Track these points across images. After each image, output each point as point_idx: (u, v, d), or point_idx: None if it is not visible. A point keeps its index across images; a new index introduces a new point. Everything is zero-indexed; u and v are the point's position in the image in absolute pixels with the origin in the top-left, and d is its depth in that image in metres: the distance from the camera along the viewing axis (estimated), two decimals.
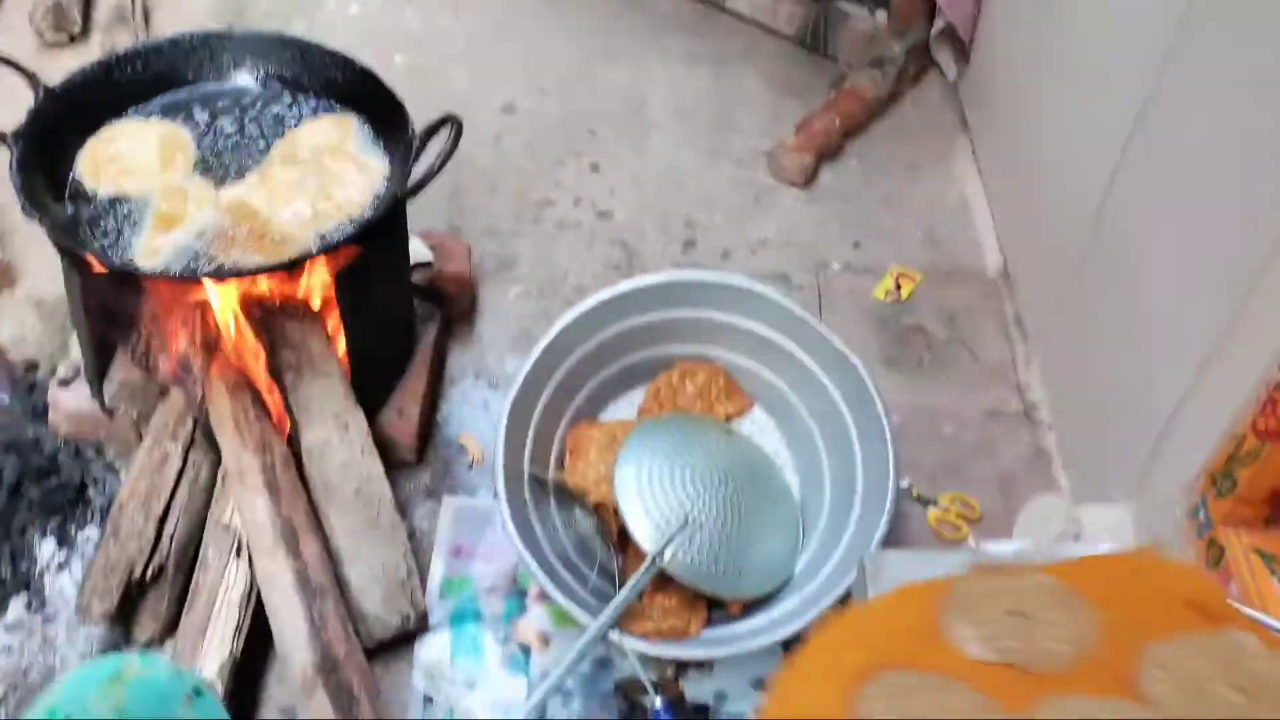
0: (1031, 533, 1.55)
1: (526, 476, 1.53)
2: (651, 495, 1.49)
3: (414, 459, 1.78)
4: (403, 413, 1.76)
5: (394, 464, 1.71)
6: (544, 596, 1.62)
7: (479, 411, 1.89)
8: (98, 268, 1.43)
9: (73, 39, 2.46)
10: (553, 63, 2.63)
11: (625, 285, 1.63)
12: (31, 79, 1.51)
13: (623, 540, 1.53)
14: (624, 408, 1.70)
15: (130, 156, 1.59)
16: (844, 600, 1.43)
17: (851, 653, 0.92)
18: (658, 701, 1.36)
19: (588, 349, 1.64)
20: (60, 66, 1.55)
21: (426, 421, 1.82)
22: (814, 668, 0.92)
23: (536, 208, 2.27)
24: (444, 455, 1.82)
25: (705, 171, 2.38)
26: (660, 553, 1.44)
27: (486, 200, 2.26)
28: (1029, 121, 2.02)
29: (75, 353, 1.73)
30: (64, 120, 1.54)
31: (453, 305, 1.97)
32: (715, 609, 1.50)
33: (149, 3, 2.58)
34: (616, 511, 1.50)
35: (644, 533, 1.47)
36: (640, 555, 1.50)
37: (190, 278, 1.46)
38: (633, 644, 1.40)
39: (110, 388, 1.60)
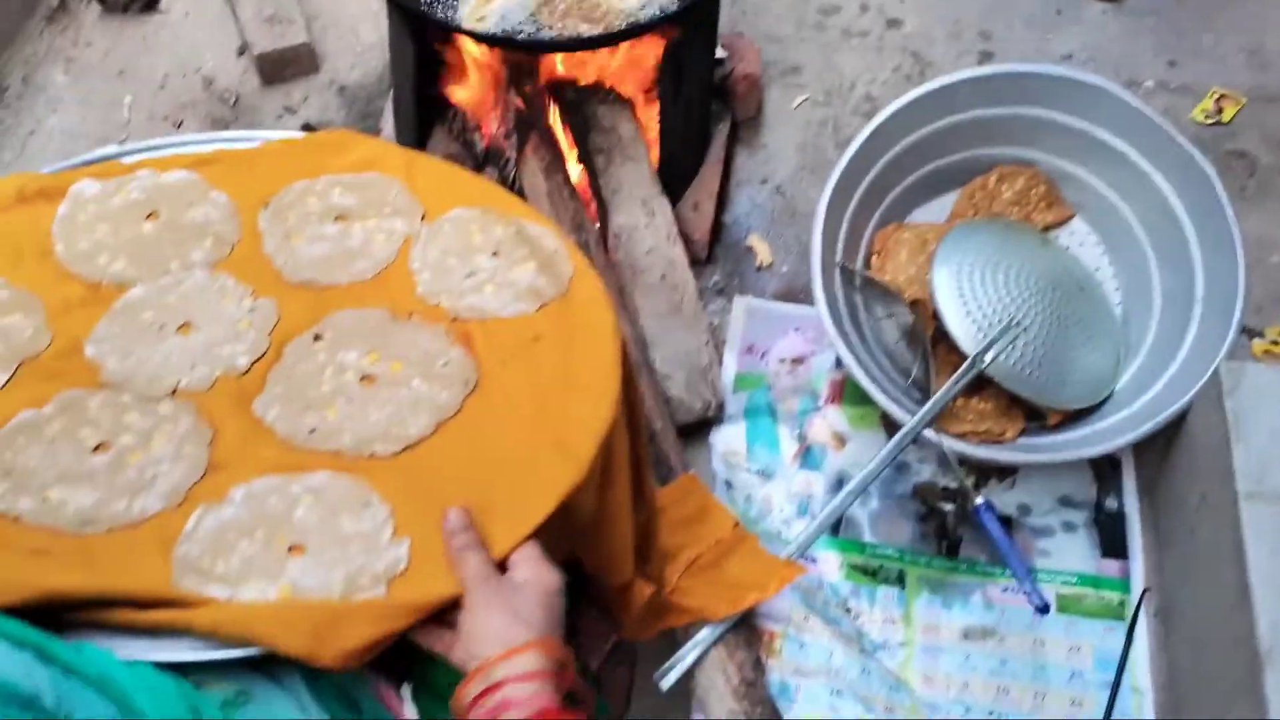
0: None
1: (839, 271, 1.49)
2: (973, 296, 1.44)
3: (705, 256, 1.77)
4: (698, 207, 1.74)
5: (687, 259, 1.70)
6: (838, 397, 1.60)
7: (766, 215, 1.86)
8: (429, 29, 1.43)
9: None
10: None
11: (947, 78, 1.54)
12: None
13: (935, 345, 1.48)
14: (933, 211, 1.63)
15: None
16: (1180, 419, 1.36)
17: None
18: (979, 500, 1.34)
19: (902, 147, 1.56)
20: None
21: (718, 220, 1.80)
22: None
23: (820, 14, 2.17)
24: (733, 255, 1.80)
25: None
26: (981, 354, 1.39)
27: (767, 3, 2.18)
28: None
29: (385, 132, 1.78)
30: None
31: (742, 107, 1.93)
32: (1031, 419, 1.45)
33: None
34: (934, 314, 1.45)
35: (964, 333, 1.42)
36: (951, 360, 1.45)
37: (520, 44, 1.45)
38: (949, 443, 1.37)
39: None
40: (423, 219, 1.05)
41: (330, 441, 0.89)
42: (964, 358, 1.41)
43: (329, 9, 2.12)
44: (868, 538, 1.47)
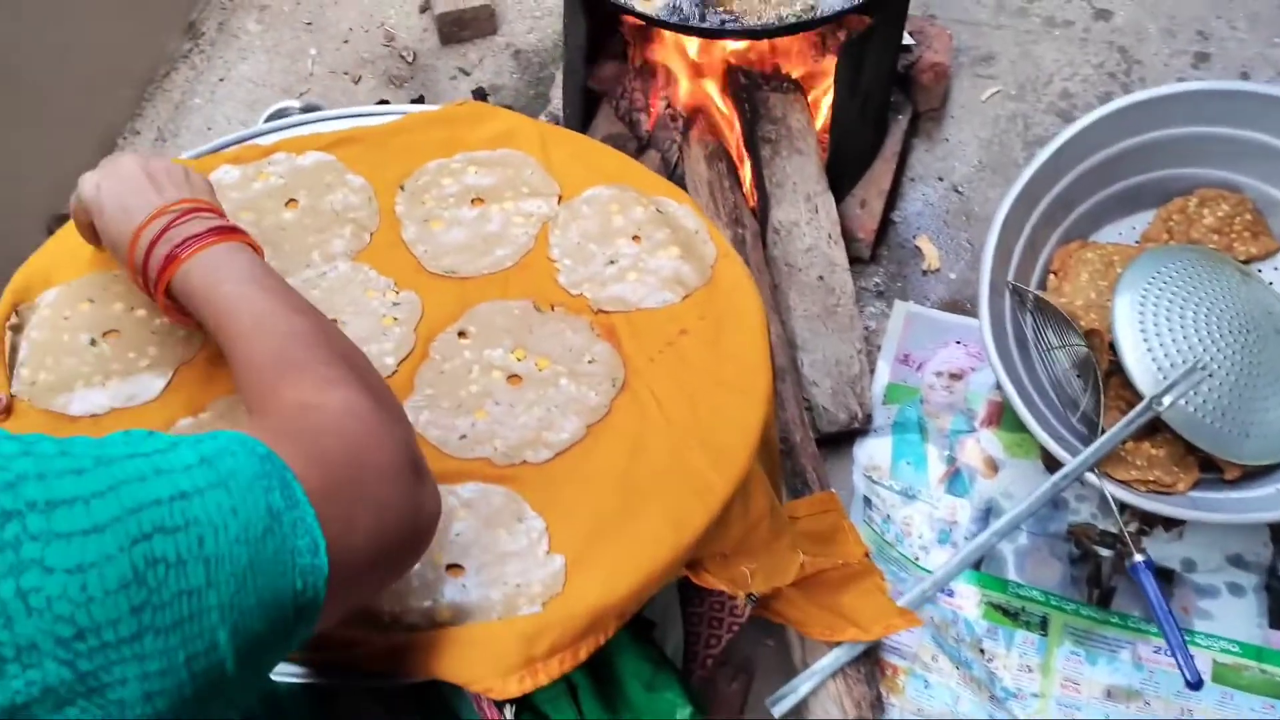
0: None
1: (1010, 291, 1.40)
2: (1156, 330, 1.32)
3: (868, 255, 1.69)
4: (865, 205, 1.66)
5: (848, 257, 1.63)
6: (995, 420, 1.51)
7: (939, 215, 1.76)
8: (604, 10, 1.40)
9: None
10: None
11: (1158, 90, 1.41)
12: None
13: (1108, 378, 1.38)
14: (1122, 232, 1.51)
15: None
16: None
17: None
18: (1138, 557, 1.24)
19: (1098, 159, 1.44)
20: None
21: (885, 218, 1.72)
22: None
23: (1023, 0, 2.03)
24: (898, 256, 1.72)
25: None
26: (1159, 396, 1.28)
27: None
28: None
29: (554, 103, 1.76)
30: None
31: (925, 98, 1.82)
32: (1205, 469, 1.34)
33: None
34: (1110, 344, 1.35)
35: (1142, 372, 1.31)
36: (1125, 397, 1.35)
37: (691, 29, 1.39)
38: (1113, 489, 1.27)
39: (593, 139, 1.60)
40: (559, 200, 1.02)
41: (480, 448, 0.86)
42: (1139, 398, 1.30)
43: None
44: (1012, 575, 1.39)
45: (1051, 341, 1.41)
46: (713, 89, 1.55)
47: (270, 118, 1.77)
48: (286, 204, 1.00)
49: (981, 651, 1.34)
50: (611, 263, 0.98)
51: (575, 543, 0.82)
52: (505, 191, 1.02)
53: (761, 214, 1.53)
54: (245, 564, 0.51)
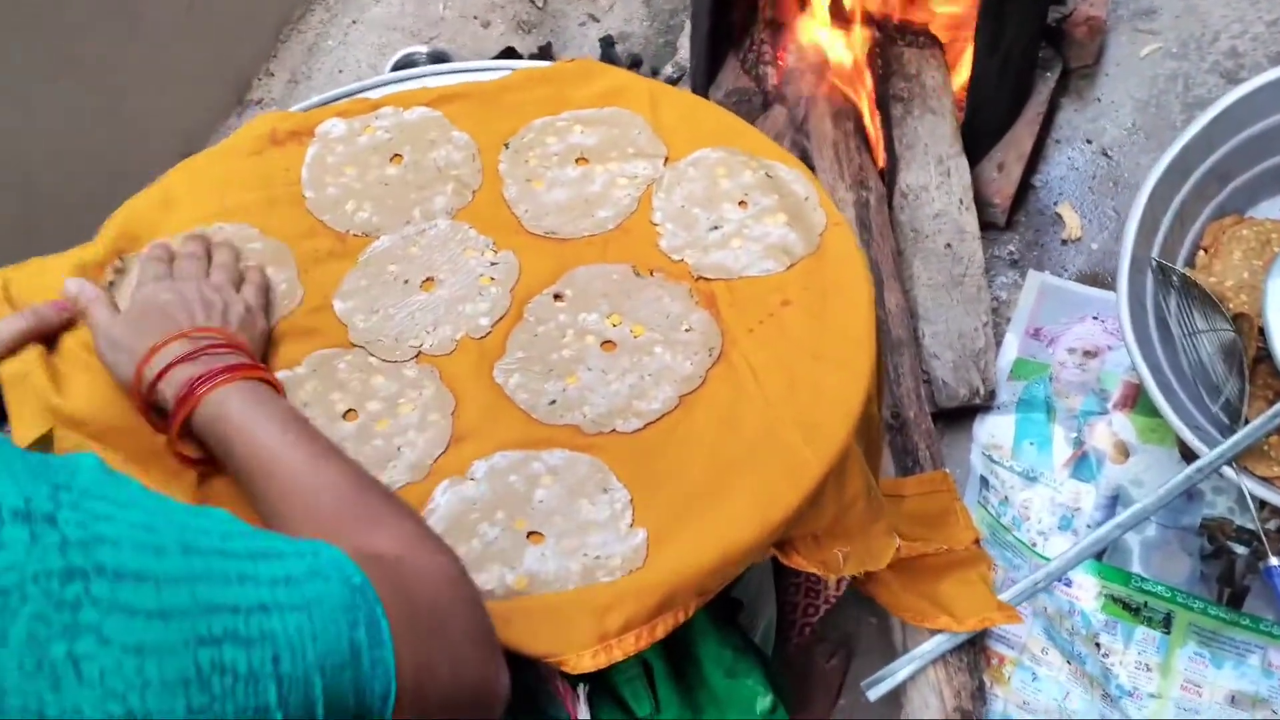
0: None
1: (1153, 268, 1.31)
2: None
3: (1003, 222, 1.61)
4: (1003, 168, 1.58)
5: (980, 223, 1.55)
6: (1130, 403, 1.42)
7: (1084, 181, 1.66)
8: None
9: None
10: None
11: None
12: None
13: (1255, 365, 1.28)
14: None
15: None
16: None
17: None
18: (1274, 560, 1.15)
19: (1259, 129, 1.33)
20: None
21: (1024, 183, 1.63)
22: None
23: None
24: (1036, 223, 1.63)
25: None
26: None
27: None
28: None
29: (682, 53, 1.71)
30: None
31: (1077, 54, 1.71)
32: None
33: None
34: (1261, 330, 1.25)
35: None
36: (1273, 387, 1.25)
37: None
38: (1252, 485, 1.18)
39: (717, 94, 1.56)
40: (665, 161, 0.99)
41: (570, 414, 0.85)
42: None
43: None
44: (1136, 568, 1.32)
45: (1197, 324, 1.32)
46: (843, 42, 1.48)
47: (396, 64, 1.78)
48: (391, 159, 1.00)
49: (1097, 646, 1.28)
50: (715, 228, 0.95)
51: (660, 518, 0.80)
52: (610, 152, 1.00)
53: (890, 176, 1.47)
54: (318, 692, 0.49)
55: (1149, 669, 1.26)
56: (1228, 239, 1.36)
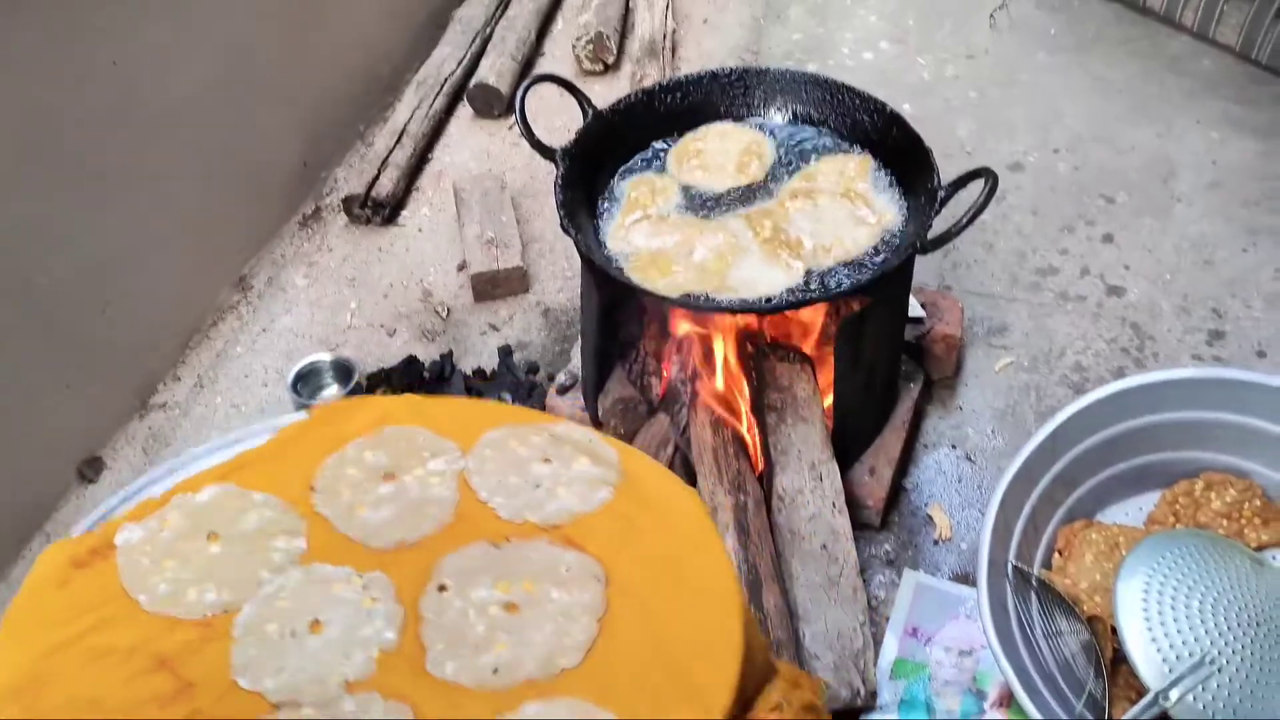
0: None
1: (1010, 569, 1.38)
2: (1160, 620, 1.29)
3: (877, 523, 1.69)
4: (874, 472, 1.67)
5: (855, 525, 1.62)
6: (1007, 702, 1.46)
7: (951, 483, 1.76)
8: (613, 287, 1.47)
9: (606, 68, 2.63)
10: (1068, 120, 2.45)
11: (1155, 375, 1.44)
12: (585, 101, 1.60)
13: (1114, 665, 1.33)
14: (1129, 512, 1.50)
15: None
16: None
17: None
18: None
19: (1098, 440, 1.46)
20: (592, 93, 1.63)
21: (896, 485, 1.72)
22: None
23: (1037, 274, 2.10)
24: (909, 524, 1.71)
25: (1241, 252, 2.09)
26: (1165, 692, 1.23)
27: (982, 259, 2.13)
28: None
29: (575, 362, 1.82)
30: (603, 142, 1.61)
31: (937, 367, 1.86)
32: None
33: (675, 39, 2.72)
34: (1114, 630, 1.31)
35: (1147, 663, 1.27)
36: (1134, 685, 1.30)
37: (696, 306, 1.46)
38: None
39: (605, 401, 1.65)
40: (461, 454, 1.09)
41: (518, 673, 0.91)
42: (1148, 689, 1.26)
43: (547, 235, 2.23)
44: None
45: (1059, 625, 1.38)
46: (722, 357, 1.60)
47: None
48: (208, 538, 1.01)
49: None
50: (538, 486, 1.05)
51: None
52: (408, 461, 1.08)
53: (767, 480, 1.55)
54: None
55: None
56: (1079, 542, 1.45)
